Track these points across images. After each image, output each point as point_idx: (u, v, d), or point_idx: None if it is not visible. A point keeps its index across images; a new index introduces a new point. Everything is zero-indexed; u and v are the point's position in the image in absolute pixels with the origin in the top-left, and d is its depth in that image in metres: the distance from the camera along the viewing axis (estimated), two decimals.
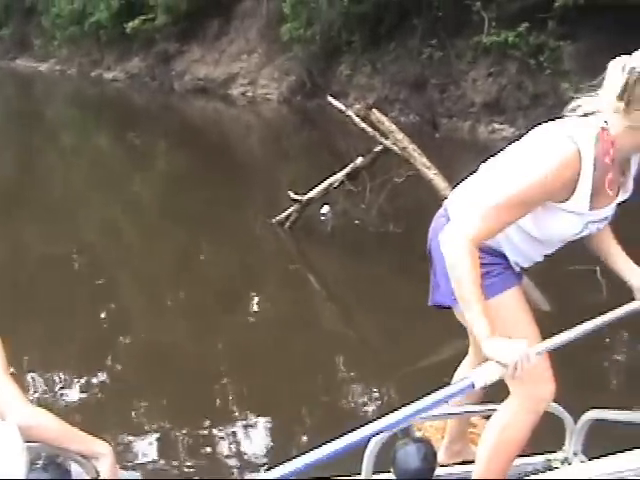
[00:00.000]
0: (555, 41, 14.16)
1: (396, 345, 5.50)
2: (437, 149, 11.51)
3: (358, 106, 17.47)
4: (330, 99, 8.74)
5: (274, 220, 8.21)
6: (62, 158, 14.48)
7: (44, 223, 8.90)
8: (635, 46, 2.45)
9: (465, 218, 2.39)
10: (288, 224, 8.05)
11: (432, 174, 6.53)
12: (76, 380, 5.09)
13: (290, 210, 8.02)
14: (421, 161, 6.57)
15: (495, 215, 2.36)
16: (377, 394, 4.96)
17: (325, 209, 8.36)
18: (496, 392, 2.59)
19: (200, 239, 8.48)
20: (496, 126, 14.69)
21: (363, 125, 7.64)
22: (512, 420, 2.61)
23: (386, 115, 14.49)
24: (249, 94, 22.05)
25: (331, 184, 7.71)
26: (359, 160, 7.61)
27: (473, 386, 2.22)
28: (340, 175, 7.66)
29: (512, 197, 2.34)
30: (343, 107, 8.32)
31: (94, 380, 5.12)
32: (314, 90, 19.18)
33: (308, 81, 19.48)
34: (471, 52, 15.73)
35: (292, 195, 7.86)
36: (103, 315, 6.34)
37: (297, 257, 8.01)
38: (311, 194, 7.82)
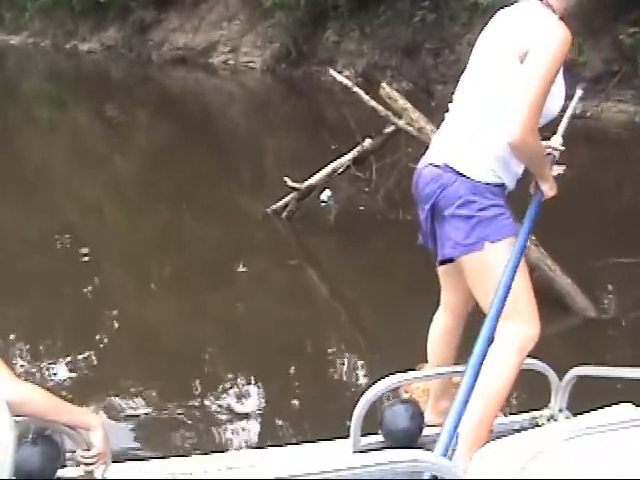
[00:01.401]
0: None
1: (406, 344, 4.70)
2: (433, 118, 10.72)
3: (348, 73, 16.81)
4: (333, 73, 7.72)
5: (269, 209, 7.28)
6: (38, 133, 13.83)
7: (23, 200, 8.49)
8: None
9: (518, 117, 2.57)
10: (285, 214, 7.12)
11: None
12: (63, 355, 4.99)
13: (288, 198, 7.08)
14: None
15: (540, 96, 2.57)
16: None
17: (325, 195, 7.46)
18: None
19: (187, 223, 7.90)
20: None
21: (373, 103, 6.64)
22: (503, 362, 2.70)
23: (377, 82, 13.51)
24: (231, 63, 21.33)
25: (334, 170, 6.75)
26: (367, 142, 6.62)
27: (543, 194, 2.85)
28: (345, 160, 6.70)
29: (546, 75, 2.58)
30: (349, 82, 7.31)
31: (81, 355, 4.97)
32: (299, 58, 18.49)
33: (293, 48, 18.69)
34: (466, 13, 14.87)
35: (289, 182, 6.90)
36: (88, 291, 6.17)
37: (297, 250, 7.13)
38: (311, 181, 6.85)
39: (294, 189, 6.91)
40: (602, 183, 9.30)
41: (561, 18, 2.68)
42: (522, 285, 2.71)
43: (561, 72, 2.67)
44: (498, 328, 2.63)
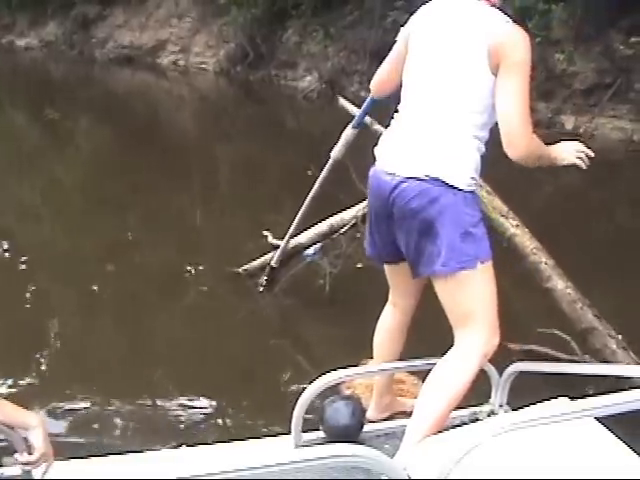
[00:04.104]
0: (544, 4, 12.19)
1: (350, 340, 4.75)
2: None
3: (310, 78, 15.44)
4: (343, 102, 5.71)
5: (242, 269, 5.56)
6: None
7: None
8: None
9: (517, 139, 2.67)
10: (265, 277, 5.40)
11: (512, 225, 4.22)
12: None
13: (267, 257, 5.42)
14: (493, 204, 4.24)
15: (527, 108, 2.69)
16: None
17: (312, 247, 5.60)
18: None
19: (127, 266, 6.58)
20: None
21: None
22: (467, 367, 2.78)
23: (343, 89, 11.98)
24: (181, 63, 19.96)
25: (334, 229, 5.05)
26: None
27: None
28: (350, 215, 4.99)
29: (527, 87, 2.71)
30: (367, 118, 5.40)
31: (19, 363, 4.78)
32: (257, 60, 17.08)
33: (250, 49, 17.21)
34: None
35: (271, 239, 5.29)
36: (26, 300, 5.81)
37: (280, 327, 5.42)
38: (300, 239, 5.20)
39: (277, 248, 5.24)
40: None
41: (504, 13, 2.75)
42: (492, 296, 2.82)
43: None
44: (464, 334, 2.79)
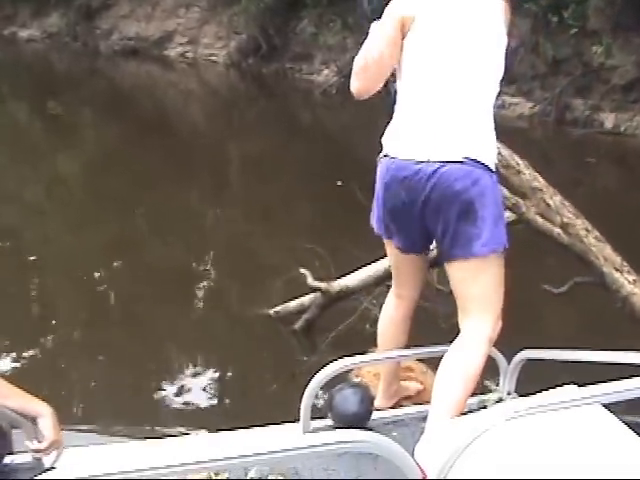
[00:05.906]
0: None
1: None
2: None
3: (327, 72, 14.68)
4: None
5: (273, 311, 4.75)
6: None
7: None
8: None
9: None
10: (301, 323, 4.60)
11: (629, 282, 3.36)
12: (8, 357, 4.74)
13: (305, 300, 4.59)
14: (603, 254, 3.39)
15: None
16: None
17: None
18: None
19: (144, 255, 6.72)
20: (507, 99, 11.79)
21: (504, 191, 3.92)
22: (478, 351, 2.79)
23: None
24: (189, 55, 19.33)
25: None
26: None
27: None
28: None
29: None
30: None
31: (26, 360, 4.77)
32: (270, 52, 16.43)
33: (262, 40, 16.56)
34: None
35: (311, 280, 4.43)
36: (32, 297, 5.90)
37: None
38: (348, 282, 4.34)
39: (317, 290, 4.43)
40: None
41: None
42: (502, 285, 2.86)
43: None
44: (472, 319, 2.82)
